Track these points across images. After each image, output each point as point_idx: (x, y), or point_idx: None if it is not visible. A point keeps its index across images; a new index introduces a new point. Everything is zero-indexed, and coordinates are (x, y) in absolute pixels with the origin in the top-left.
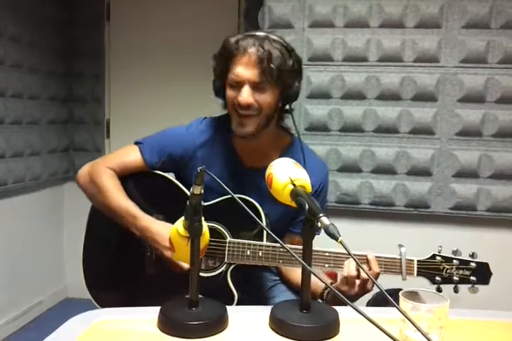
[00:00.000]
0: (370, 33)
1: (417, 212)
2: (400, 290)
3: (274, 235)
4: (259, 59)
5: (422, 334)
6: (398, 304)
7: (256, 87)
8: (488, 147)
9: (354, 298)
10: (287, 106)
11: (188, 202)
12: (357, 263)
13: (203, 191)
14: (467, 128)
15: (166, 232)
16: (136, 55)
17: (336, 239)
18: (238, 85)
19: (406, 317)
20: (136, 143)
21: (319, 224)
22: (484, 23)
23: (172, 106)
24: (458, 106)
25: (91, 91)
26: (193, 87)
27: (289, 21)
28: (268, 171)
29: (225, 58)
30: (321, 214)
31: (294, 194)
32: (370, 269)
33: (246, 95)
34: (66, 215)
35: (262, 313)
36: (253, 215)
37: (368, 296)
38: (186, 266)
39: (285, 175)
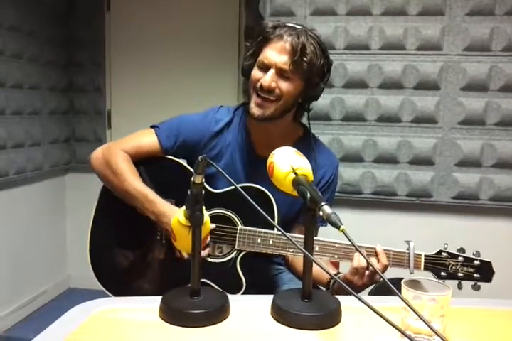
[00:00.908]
0: (373, 21)
1: (420, 202)
2: (402, 279)
3: (275, 224)
4: (292, 48)
5: (424, 322)
6: (400, 293)
7: (281, 74)
8: (491, 136)
9: (362, 287)
10: (306, 104)
11: (189, 191)
12: (360, 253)
13: (204, 180)
14: (470, 116)
15: None
16: (136, 45)
17: (338, 227)
18: (265, 68)
19: (408, 305)
20: (152, 127)
21: (321, 213)
22: (488, 9)
23: (173, 96)
24: (461, 94)
25: (92, 81)
26: (194, 76)
27: (290, 9)
28: (269, 160)
29: (260, 40)
30: (322, 203)
31: (296, 183)
32: (378, 261)
33: (269, 79)
34: (68, 206)
35: (263, 302)
36: (255, 204)
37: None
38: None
39: (286, 163)
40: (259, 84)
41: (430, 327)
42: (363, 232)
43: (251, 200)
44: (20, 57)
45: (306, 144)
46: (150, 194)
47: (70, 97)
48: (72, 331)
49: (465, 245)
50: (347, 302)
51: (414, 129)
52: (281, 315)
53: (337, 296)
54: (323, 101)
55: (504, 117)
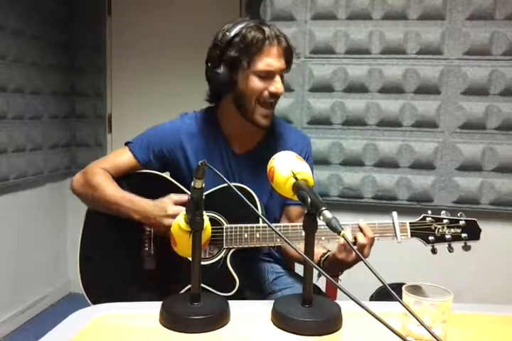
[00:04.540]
0: (373, 25)
1: (420, 206)
2: (403, 284)
3: (268, 223)
4: (285, 48)
5: (425, 328)
6: (401, 298)
7: (280, 74)
8: (492, 140)
9: (351, 264)
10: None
11: (189, 196)
12: (363, 260)
13: (204, 185)
14: (471, 121)
15: (160, 203)
16: (137, 49)
17: (339, 232)
18: (268, 76)
19: (409, 311)
20: (126, 143)
21: (321, 218)
22: (488, 14)
23: (174, 100)
24: (461, 98)
25: (93, 85)
26: (194, 81)
27: (291, 13)
28: (270, 164)
29: (251, 49)
30: (323, 208)
31: (296, 187)
32: (364, 235)
33: (280, 85)
34: (68, 210)
35: (264, 308)
36: (249, 203)
37: (370, 290)
38: None
39: (287, 168)
40: (267, 93)
41: (431, 333)
42: None
43: (243, 197)
44: (21, 61)
45: (275, 128)
46: (128, 195)
47: (70, 102)
48: (73, 337)
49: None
50: (348, 307)
51: (415, 133)
52: (282, 320)
53: (338, 302)
54: (323, 106)
55: (505, 121)
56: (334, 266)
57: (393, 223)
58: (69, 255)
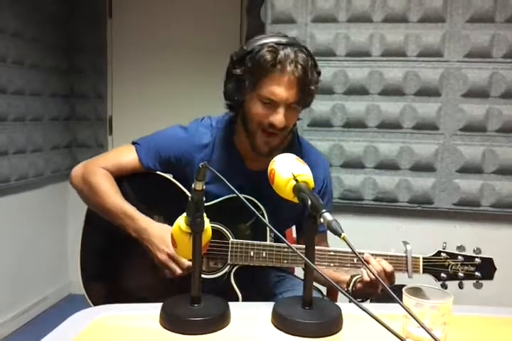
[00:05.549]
0: (374, 28)
1: (421, 208)
2: (404, 286)
3: (276, 231)
4: (298, 79)
5: (426, 330)
6: (401, 300)
7: (289, 106)
8: (492, 142)
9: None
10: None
11: (189, 198)
12: (362, 262)
13: (204, 186)
14: (471, 123)
15: (164, 234)
16: (138, 51)
17: (339, 235)
18: (272, 104)
19: (409, 313)
20: (133, 143)
21: (322, 220)
22: (488, 16)
23: (175, 102)
24: (462, 101)
25: (93, 87)
26: (195, 83)
27: (291, 16)
28: (270, 167)
29: (256, 71)
30: (323, 210)
31: (297, 189)
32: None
33: (282, 117)
34: (69, 211)
35: (264, 310)
36: (255, 212)
37: None
38: (179, 271)
39: (288, 170)
40: (267, 122)
41: (431, 335)
42: (364, 239)
43: (249, 205)
44: (21, 63)
45: (295, 151)
46: (130, 210)
47: (71, 103)
48: (74, 338)
49: (466, 251)
50: (348, 309)
51: (415, 136)
52: (282, 322)
53: (338, 304)
54: (324, 108)
55: (505, 124)
56: (363, 291)
57: (406, 257)
58: (69, 256)
